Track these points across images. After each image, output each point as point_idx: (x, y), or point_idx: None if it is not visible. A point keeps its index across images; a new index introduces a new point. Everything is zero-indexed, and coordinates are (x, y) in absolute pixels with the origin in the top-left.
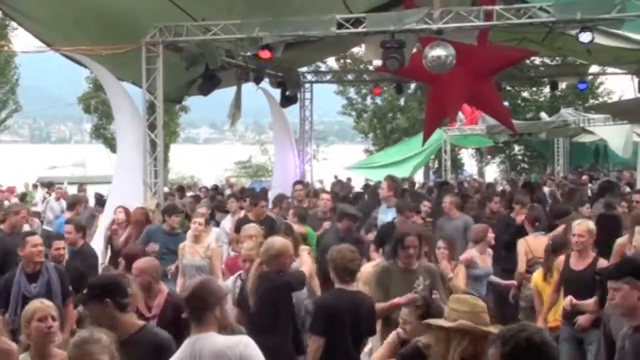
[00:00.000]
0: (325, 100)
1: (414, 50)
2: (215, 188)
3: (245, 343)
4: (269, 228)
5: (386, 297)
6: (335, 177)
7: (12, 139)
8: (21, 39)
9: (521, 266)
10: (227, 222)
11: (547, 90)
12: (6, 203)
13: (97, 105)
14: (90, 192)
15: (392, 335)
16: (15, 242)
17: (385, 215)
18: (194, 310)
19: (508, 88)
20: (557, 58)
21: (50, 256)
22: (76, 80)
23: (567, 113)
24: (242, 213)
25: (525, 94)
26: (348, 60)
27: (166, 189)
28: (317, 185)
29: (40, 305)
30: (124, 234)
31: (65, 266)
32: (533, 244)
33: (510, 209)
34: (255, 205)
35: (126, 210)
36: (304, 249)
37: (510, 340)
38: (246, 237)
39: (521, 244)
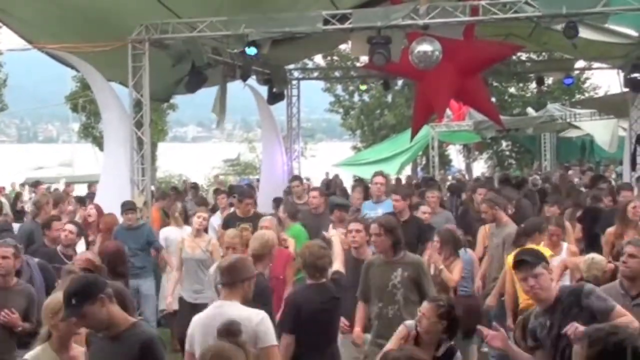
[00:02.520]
0: (313, 97)
1: (402, 46)
2: (195, 186)
3: (263, 317)
4: (256, 224)
5: (367, 291)
6: (327, 174)
7: None
8: (6, 37)
9: (479, 251)
10: (216, 219)
11: (533, 85)
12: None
13: (84, 104)
14: (79, 191)
15: (401, 329)
16: None
17: (374, 211)
18: (228, 279)
19: (495, 84)
20: (543, 53)
21: None
22: (63, 80)
23: (553, 108)
24: (231, 209)
25: (512, 90)
26: (335, 57)
27: (152, 188)
28: (306, 183)
29: None
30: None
31: None
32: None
33: None
34: (241, 202)
35: (97, 208)
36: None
37: (598, 342)
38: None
39: (480, 231)
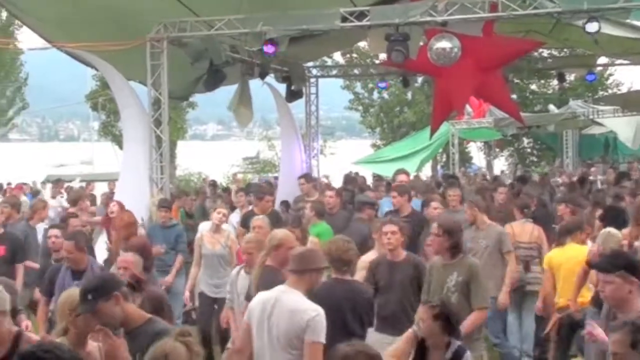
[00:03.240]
0: (332, 95)
1: (421, 43)
2: (214, 183)
3: (318, 313)
4: (274, 222)
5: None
6: (351, 172)
7: (21, 137)
8: (27, 37)
9: None
10: (235, 217)
11: (555, 82)
12: (23, 199)
13: (104, 102)
14: (99, 189)
15: (408, 332)
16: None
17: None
18: (297, 266)
19: (516, 81)
20: (565, 50)
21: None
22: (83, 78)
23: (576, 105)
24: (249, 207)
25: (533, 87)
26: (354, 55)
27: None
28: (324, 181)
29: None
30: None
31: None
32: (517, 228)
33: None
34: (261, 200)
35: (120, 205)
36: (312, 240)
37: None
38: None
39: (506, 228)
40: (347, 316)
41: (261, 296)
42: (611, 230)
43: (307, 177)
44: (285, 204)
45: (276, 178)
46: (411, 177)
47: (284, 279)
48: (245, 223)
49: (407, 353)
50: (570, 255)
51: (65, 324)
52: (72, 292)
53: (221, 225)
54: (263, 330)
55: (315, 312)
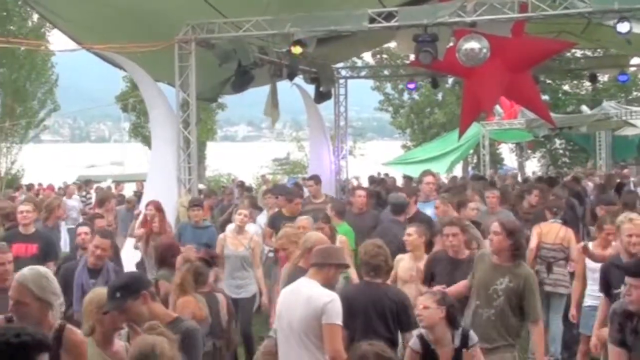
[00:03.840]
0: (363, 96)
1: (450, 44)
2: (242, 184)
3: (334, 298)
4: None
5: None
6: (379, 173)
7: (53, 138)
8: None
9: (532, 243)
10: (262, 218)
11: (588, 83)
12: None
13: (135, 104)
14: (128, 190)
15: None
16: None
17: (423, 210)
18: (317, 260)
19: (548, 81)
20: (598, 50)
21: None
22: (114, 80)
23: (609, 106)
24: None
25: (566, 88)
26: (384, 56)
27: (201, 186)
28: (354, 182)
29: None
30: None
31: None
32: (545, 228)
33: None
34: (290, 202)
35: (156, 205)
36: (340, 239)
37: None
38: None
39: (535, 228)
40: (373, 318)
41: (284, 293)
42: (631, 214)
43: (315, 178)
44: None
45: (305, 179)
46: (442, 178)
47: None
48: (273, 224)
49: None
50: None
51: (92, 323)
52: (100, 291)
53: (244, 227)
54: (283, 319)
55: (331, 297)
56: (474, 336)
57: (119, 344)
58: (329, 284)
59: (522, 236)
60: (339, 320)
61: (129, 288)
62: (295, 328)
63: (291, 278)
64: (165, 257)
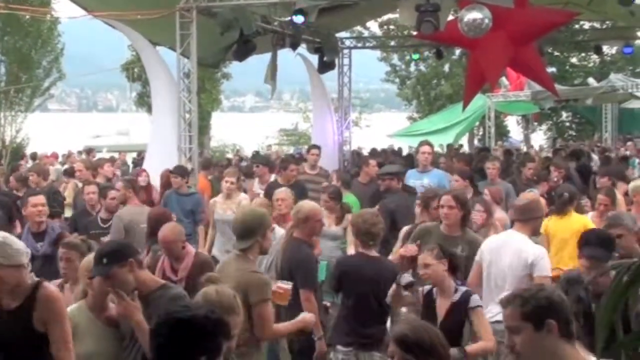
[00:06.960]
0: (370, 67)
1: (451, 16)
2: (239, 157)
3: (542, 251)
4: (299, 192)
5: None
6: (389, 147)
7: (60, 107)
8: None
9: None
10: (255, 185)
11: (596, 56)
12: (50, 168)
13: (140, 72)
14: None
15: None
16: None
17: (420, 180)
18: (520, 216)
19: (556, 54)
20: (606, 22)
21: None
22: (121, 49)
23: (615, 78)
24: (272, 177)
25: (573, 60)
26: (391, 27)
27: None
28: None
29: None
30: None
31: None
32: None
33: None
34: (285, 169)
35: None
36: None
37: (530, 300)
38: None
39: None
40: (371, 291)
41: (489, 242)
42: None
43: (321, 148)
44: None
45: (309, 148)
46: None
47: (309, 250)
48: (268, 194)
49: None
50: (566, 225)
51: (84, 285)
52: (92, 256)
53: (232, 193)
54: (490, 266)
55: (539, 250)
56: (476, 298)
57: (113, 307)
58: (533, 234)
59: (470, 205)
60: (547, 271)
61: (115, 255)
62: (503, 276)
63: (289, 250)
64: (156, 229)
